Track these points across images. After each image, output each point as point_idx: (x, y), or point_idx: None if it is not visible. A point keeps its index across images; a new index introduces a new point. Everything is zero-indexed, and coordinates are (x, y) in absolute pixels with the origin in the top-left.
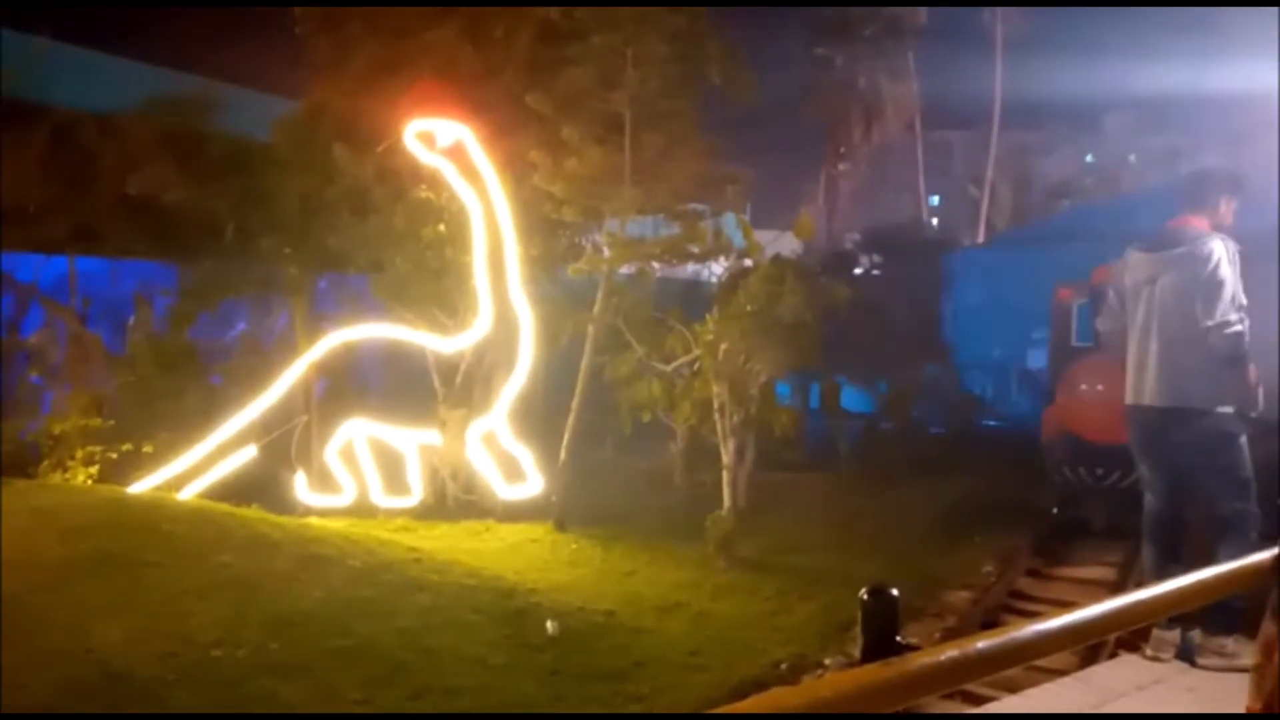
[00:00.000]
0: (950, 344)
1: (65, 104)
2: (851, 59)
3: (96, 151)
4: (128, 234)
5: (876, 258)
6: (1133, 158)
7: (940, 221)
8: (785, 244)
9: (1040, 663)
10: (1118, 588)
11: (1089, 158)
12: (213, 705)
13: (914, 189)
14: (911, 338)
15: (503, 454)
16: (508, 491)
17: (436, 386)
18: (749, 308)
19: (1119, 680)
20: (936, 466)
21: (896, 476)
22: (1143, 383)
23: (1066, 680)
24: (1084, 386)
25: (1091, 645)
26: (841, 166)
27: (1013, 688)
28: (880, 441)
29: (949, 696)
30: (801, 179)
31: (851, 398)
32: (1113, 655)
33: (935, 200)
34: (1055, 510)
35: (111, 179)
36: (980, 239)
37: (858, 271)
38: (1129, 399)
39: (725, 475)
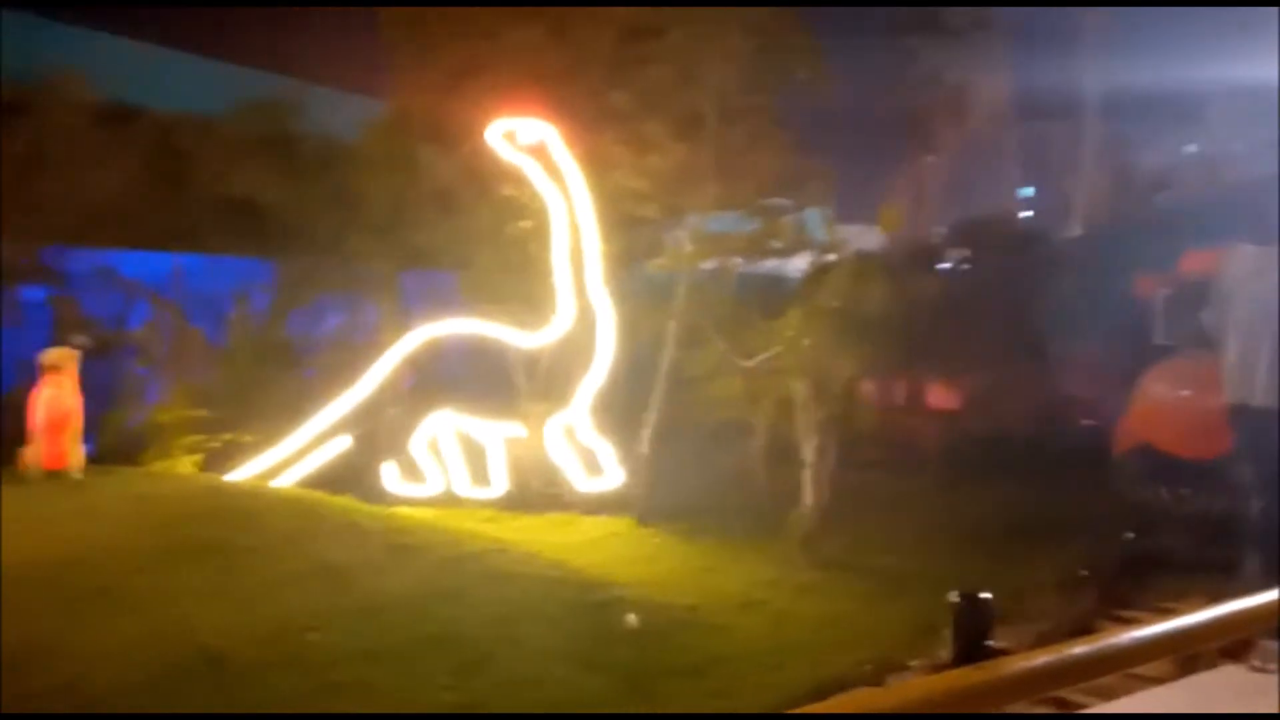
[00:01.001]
0: (1045, 341)
1: (164, 106)
2: (939, 50)
3: (195, 153)
4: (226, 232)
5: (966, 251)
6: (1237, 148)
7: (1034, 214)
8: (870, 239)
9: (1136, 670)
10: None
11: (1191, 148)
12: (309, 688)
13: (1005, 181)
14: (1002, 334)
15: (583, 448)
16: (588, 485)
17: (520, 381)
18: (832, 303)
19: (1219, 691)
20: (1027, 468)
21: (985, 477)
22: (1251, 381)
23: (1162, 689)
24: (1166, 392)
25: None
26: (929, 159)
27: (1107, 695)
28: (968, 441)
29: (1040, 702)
30: (887, 173)
31: (939, 395)
32: (1214, 665)
33: (1028, 192)
34: (1130, 536)
35: (210, 179)
36: (1076, 231)
37: (946, 266)
38: (1235, 398)
39: (807, 473)
